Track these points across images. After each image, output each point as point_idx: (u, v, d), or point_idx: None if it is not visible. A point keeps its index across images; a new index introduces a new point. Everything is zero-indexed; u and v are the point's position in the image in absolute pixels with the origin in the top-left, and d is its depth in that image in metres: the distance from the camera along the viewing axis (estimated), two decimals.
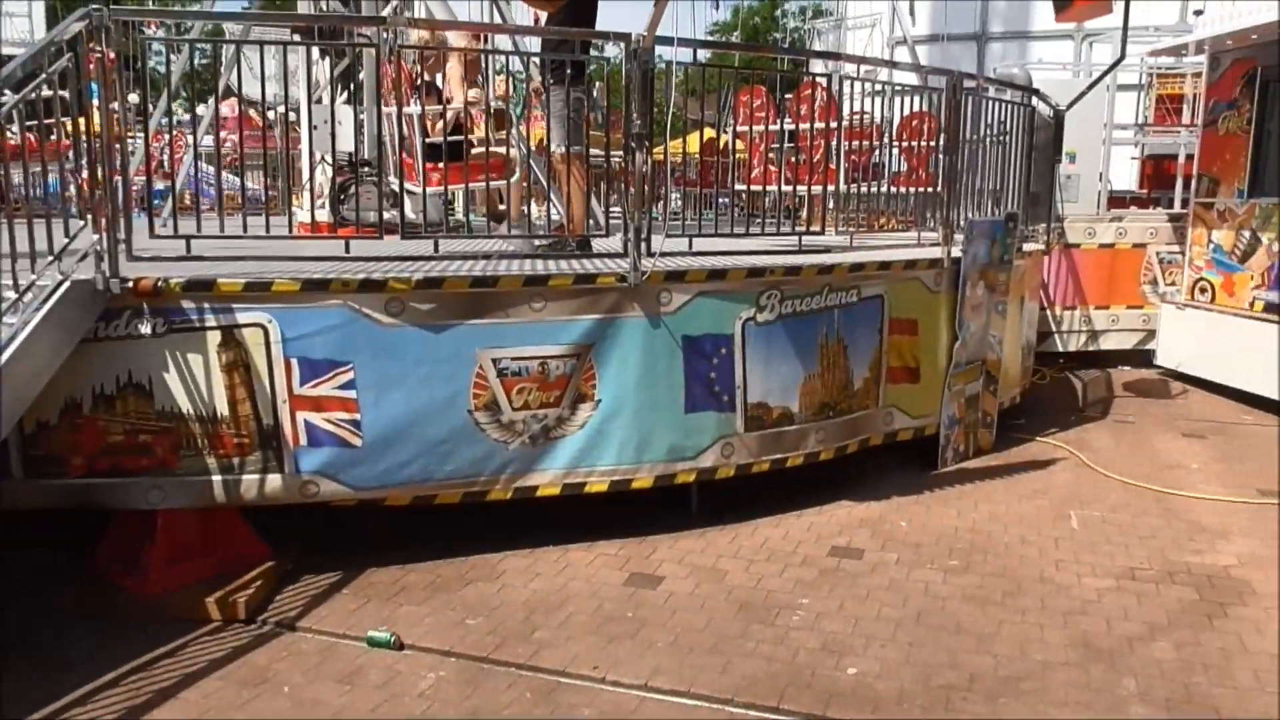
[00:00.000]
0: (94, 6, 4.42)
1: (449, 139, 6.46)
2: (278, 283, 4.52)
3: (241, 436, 4.56)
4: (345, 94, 9.88)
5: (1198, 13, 14.28)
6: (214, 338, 4.48)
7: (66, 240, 4.25)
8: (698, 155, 9.63)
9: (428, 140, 6.49)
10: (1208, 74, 9.21)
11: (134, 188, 6.42)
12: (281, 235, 5.19)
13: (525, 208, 7.06)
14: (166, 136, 9.14)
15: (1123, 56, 9.32)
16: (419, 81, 6.42)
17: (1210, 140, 9.05)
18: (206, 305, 4.47)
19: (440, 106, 6.82)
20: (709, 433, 5.19)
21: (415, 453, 4.71)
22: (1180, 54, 10.59)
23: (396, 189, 6.06)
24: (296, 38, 7.17)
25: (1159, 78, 16.27)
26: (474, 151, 6.05)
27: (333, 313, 4.57)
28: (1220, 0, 8.90)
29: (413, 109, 6.30)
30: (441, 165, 6.49)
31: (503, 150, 6.74)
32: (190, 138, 10.00)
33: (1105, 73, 9.71)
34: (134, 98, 6.78)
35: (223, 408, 4.53)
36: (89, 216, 4.42)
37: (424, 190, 6.61)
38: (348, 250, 5.35)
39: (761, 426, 5.35)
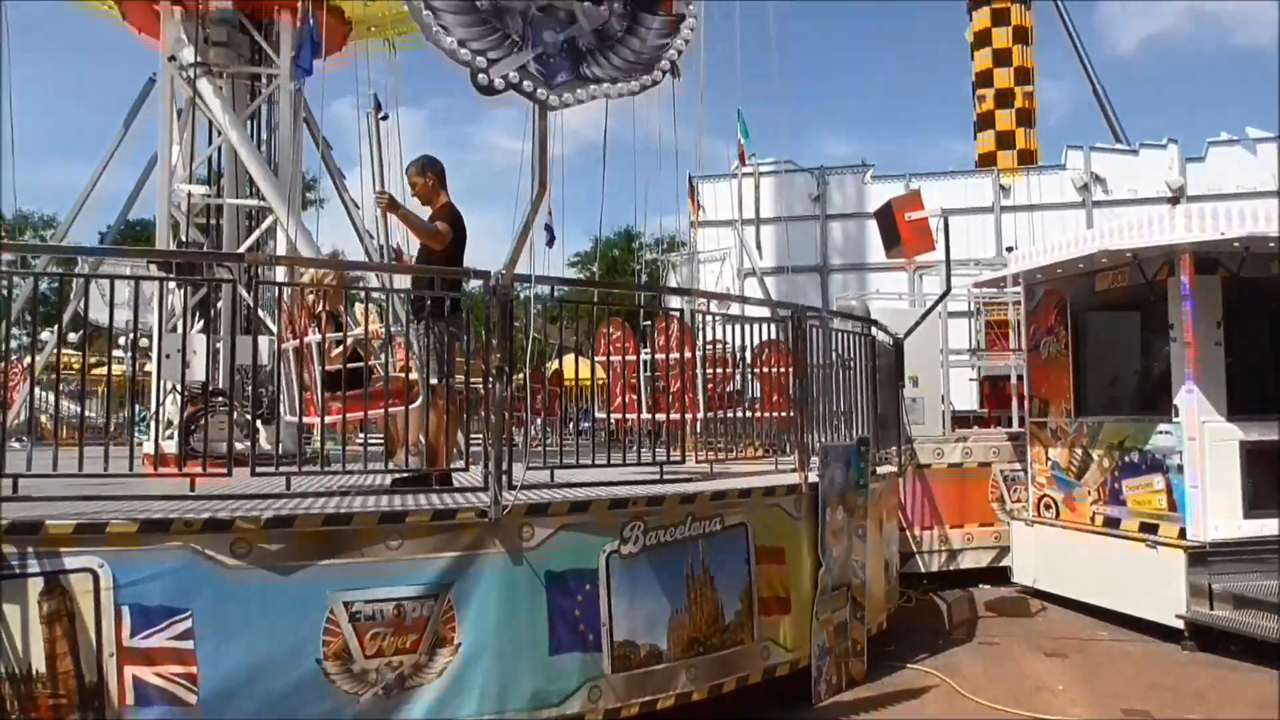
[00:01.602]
0: None
1: (349, 366, 6.35)
2: (113, 524, 4.23)
3: (59, 697, 4.11)
4: (201, 323, 9.75)
5: (1009, 249, 15.83)
6: (35, 585, 4.11)
7: None
8: (564, 382, 9.81)
9: (326, 369, 6.36)
10: (1025, 304, 10.08)
11: None
12: (121, 473, 4.92)
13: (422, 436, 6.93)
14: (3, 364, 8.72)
15: (949, 289, 10.16)
16: (318, 310, 6.40)
17: (1036, 364, 9.79)
18: (30, 550, 4.12)
19: (340, 334, 6.74)
20: (575, 676, 4.97)
21: (256, 709, 4.33)
22: (1000, 285, 11.61)
23: (249, 418, 5.88)
24: (154, 270, 7.11)
25: (986, 304, 17.74)
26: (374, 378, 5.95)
27: (172, 555, 4.27)
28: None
29: (312, 338, 6.21)
30: (339, 395, 6.33)
31: (401, 376, 6.66)
32: (27, 364, 9.56)
33: (935, 304, 10.52)
34: None
35: (39, 664, 4.09)
36: None
37: (322, 421, 6.38)
38: (193, 488, 5.09)
39: (629, 666, 5.17)
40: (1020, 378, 12.51)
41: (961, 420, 14.33)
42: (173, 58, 10.59)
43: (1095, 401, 9.05)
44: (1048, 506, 9.47)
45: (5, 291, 5.40)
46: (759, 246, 18.73)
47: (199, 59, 10.52)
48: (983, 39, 29.49)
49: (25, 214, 35.08)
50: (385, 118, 9.10)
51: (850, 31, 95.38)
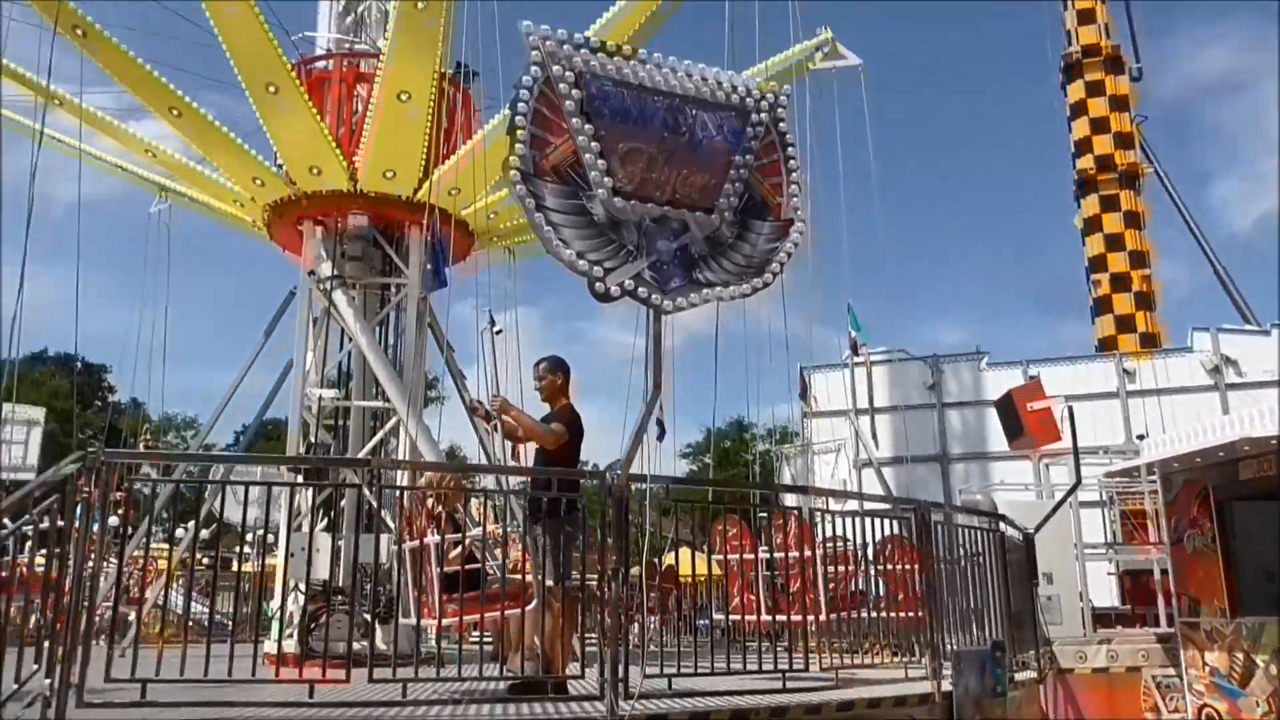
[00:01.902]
0: (90, 449, 4.58)
1: (466, 567, 6.38)
2: None
3: None
4: (325, 520, 10.03)
5: (1140, 436, 15.16)
6: None
7: (16, 685, 4.05)
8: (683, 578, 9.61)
9: (444, 569, 6.41)
10: (1163, 494, 9.56)
11: (100, 611, 6.26)
12: (244, 679, 4.96)
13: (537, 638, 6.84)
14: (141, 561, 9.09)
15: (1079, 481, 9.71)
16: (437, 512, 6.52)
17: (1181, 558, 9.17)
18: None
19: (458, 535, 6.82)
20: None
21: None
22: (1133, 475, 11.07)
23: (368, 618, 5.91)
24: (285, 473, 7.41)
25: (1120, 494, 16.89)
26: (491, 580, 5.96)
27: None
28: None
29: (430, 538, 6.31)
30: (457, 596, 6.34)
31: (517, 578, 6.65)
32: (164, 562, 9.92)
33: (1065, 496, 10.05)
34: (114, 520, 6.82)
35: None
36: (44, 656, 4.24)
37: (440, 623, 6.37)
38: (311, 694, 5.08)
39: None
40: (1164, 572, 11.70)
41: (1103, 619, 13.39)
42: (312, 272, 11.42)
43: (1253, 600, 8.36)
44: (1210, 719, 8.62)
45: (149, 494, 5.68)
46: (875, 437, 18.46)
47: (335, 272, 11.30)
48: (1093, 225, 29.47)
49: (170, 415, 37.43)
50: (500, 332, 9.55)
51: (955, 219, 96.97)
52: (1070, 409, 10.15)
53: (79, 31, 9.56)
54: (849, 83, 12.62)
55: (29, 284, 6.99)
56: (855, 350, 17.53)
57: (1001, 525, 8.18)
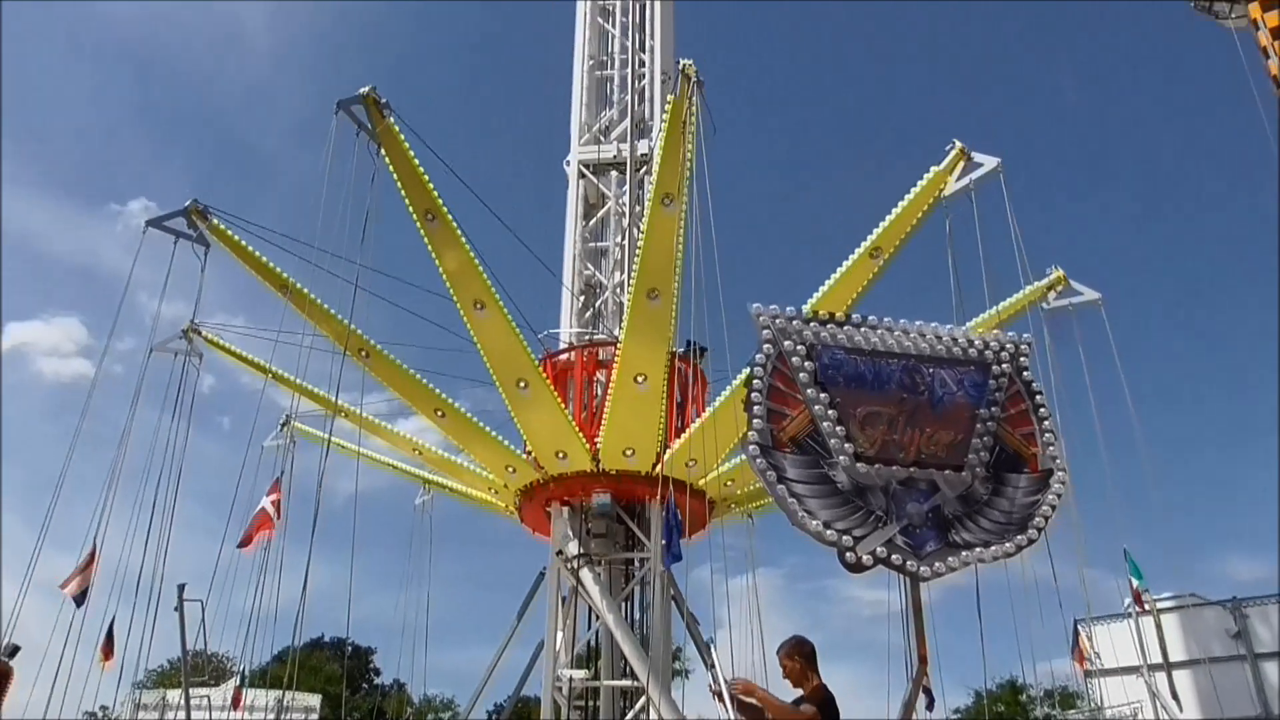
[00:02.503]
0: None
1: None
2: None
3: None
4: None
5: None
6: None
7: None
8: None
9: None
10: None
11: None
12: None
13: None
14: None
15: None
16: None
17: None
18: None
19: None
20: None
21: None
22: None
23: None
24: None
25: None
26: None
27: None
28: None
29: None
30: None
31: None
32: None
33: None
34: None
35: None
36: None
37: None
38: None
39: None
40: None
41: None
42: (559, 551, 11.79)
43: None
44: None
45: None
46: (1176, 697, 16.17)
47: (581, 550, 11.60)
48: None
49: (429, 697, 38.36)
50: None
51: (1231, 438, 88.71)
52: None
53: (363, 353, 10.87)
54: (1089, 317, 12.19)
55: (312, 573, 7.58)
56: (1139, 602, 15.79)
57: None
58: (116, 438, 10.61)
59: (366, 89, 9.53)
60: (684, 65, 9.34)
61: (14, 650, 6.72)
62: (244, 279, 11.06)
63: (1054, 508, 5.83)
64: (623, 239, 13.83)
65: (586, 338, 13.15)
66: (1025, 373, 6.13)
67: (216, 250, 10.94)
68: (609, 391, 11.28)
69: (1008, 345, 6.15)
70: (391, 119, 9.73)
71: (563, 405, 11.49)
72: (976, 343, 6.06)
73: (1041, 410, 6.12)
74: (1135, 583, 15.32)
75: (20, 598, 9.32)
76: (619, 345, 11.09)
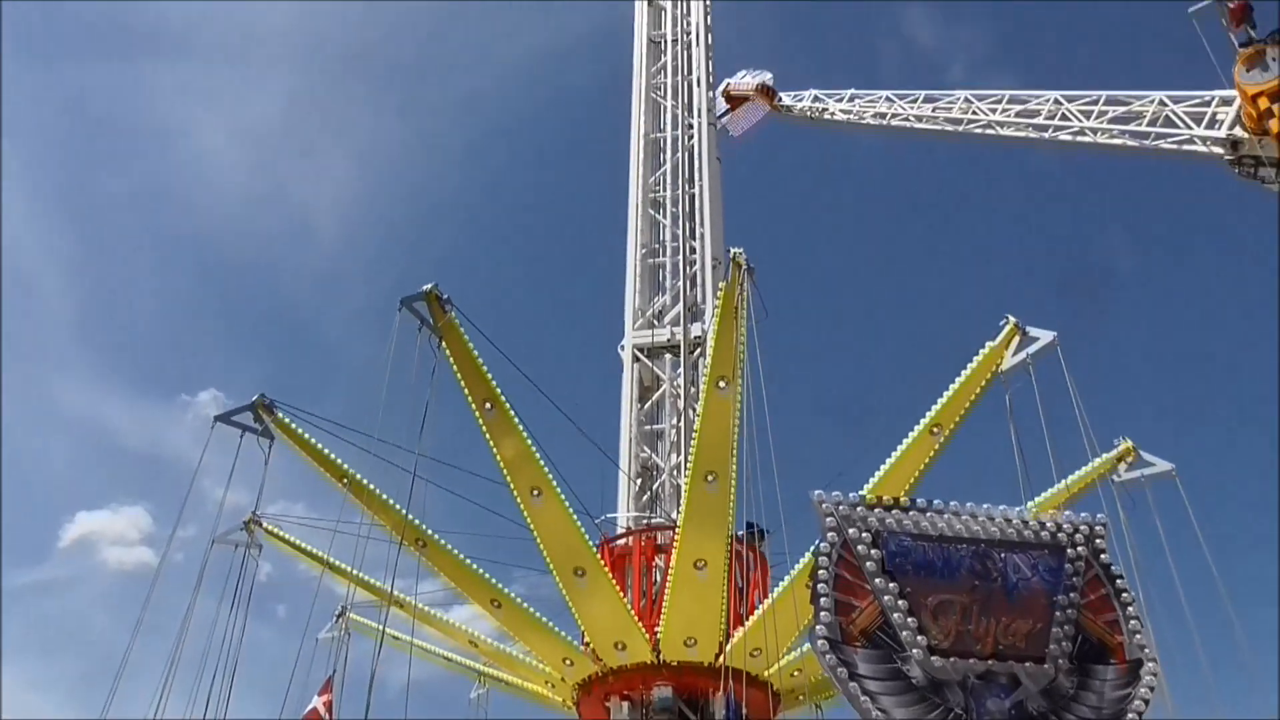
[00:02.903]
0: None
1: None
2: None
3: None
4: None
5: None
6: None
7: None
8: None
9: None
10: None
11: None
12: None
13: None
14: None
15: None
16: None
17: None
18: None
19: None
20: None
21: None
22: None
23: None
24: None
25: None
26: None
27: None
28: None
29: None
30: None
31: None
32: None
33: None
34: None
35: None
36: None
37: None
38: None
39: None
40: None
41: None
42: None
43: None
44: None
45: None
46: None
47: None
48: None
49: None
50: None
51: None
52: None
53: (420, 544, 10.84)
54: (1164, 488, 11.67)
55: None
56: None
57: None
58: (175, 626, 10.57)
59: (429, 286, 9.87)
60: (735, 254, 9.60)
61: None
62: (306, 464, 11.20)
63: (1147, 702, 5.47)
64: (678, 421, 13.88)
65: (644, 522, 13.00)
66: (1103, 555, 5.87)
67: (280, 439, 11.13)
68: (668, 579, 11.04)
69: (1081, 527, 5.92)
70: (453, 313, 10.04)
71: (621, 594, 11.23)
72: (1049, 525, 5.85)
73: (1124, 595, 5.84)
74: None
75: None
76: (677, 530, 10.92)
